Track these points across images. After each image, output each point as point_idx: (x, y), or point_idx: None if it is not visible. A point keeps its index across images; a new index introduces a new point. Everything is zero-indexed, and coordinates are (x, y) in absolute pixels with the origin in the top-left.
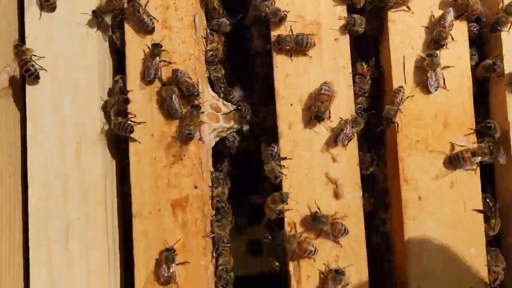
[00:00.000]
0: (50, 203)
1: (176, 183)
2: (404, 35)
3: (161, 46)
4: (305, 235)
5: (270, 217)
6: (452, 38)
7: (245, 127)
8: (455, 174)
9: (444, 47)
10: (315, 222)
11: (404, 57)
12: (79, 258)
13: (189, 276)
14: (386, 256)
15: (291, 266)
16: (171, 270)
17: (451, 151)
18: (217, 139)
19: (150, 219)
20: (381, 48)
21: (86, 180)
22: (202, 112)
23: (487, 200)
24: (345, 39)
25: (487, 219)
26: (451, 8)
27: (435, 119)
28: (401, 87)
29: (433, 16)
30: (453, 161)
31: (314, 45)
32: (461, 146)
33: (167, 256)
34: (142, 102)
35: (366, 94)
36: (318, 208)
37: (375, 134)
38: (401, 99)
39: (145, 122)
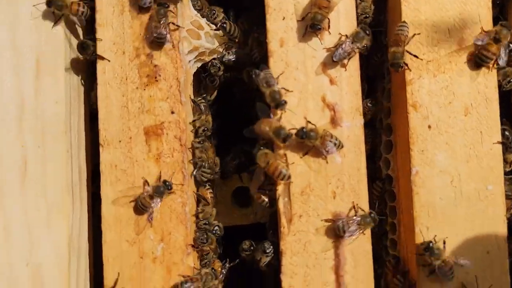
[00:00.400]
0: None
1: (150, 108)
2: None
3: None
4: (279, 157)
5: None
6: None
7: (231, 56)
8: (471, 100)
9: None
10: (304, 138)
11: None
12: (38, 194)
13: (164, 214)
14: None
15: (281, 203)
16: (153, 204)
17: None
18: (199, 64)
19: (120, 148)
20: None
21: (45, 107)
22: (168, 8)
23: (506, 131)
24: None
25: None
26: None
27: (450, 37)
28: (405, 22)
29: None
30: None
31: None
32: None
33: (158, 187)
34: (112, 13)
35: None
36: (310, 123)
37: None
38: (406, 35)
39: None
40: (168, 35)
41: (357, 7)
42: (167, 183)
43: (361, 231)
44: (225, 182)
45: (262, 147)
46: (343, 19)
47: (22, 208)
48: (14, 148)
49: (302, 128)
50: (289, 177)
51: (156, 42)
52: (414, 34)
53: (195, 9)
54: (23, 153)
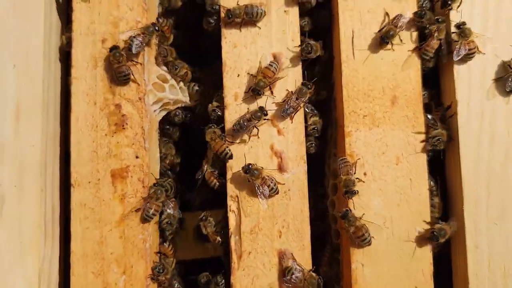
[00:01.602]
0: None
1: (117, 153)
2: (354, 10)
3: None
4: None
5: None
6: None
7: (192, 103)
8: (402, 151)
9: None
10: (248, 174)
11: (353, 31)
12: (12, 229)
13: (127, 249)
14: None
15: (233, 241)
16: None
17: None
18: (164, 112)
19: (89, 189)
20: (332, 24)
21: (23, 148)
22: (118, 50)
23: (430, 181)
24: (295, 11)
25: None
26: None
27: (382, 94)
28: (345, 157)
29: None
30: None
31: (265, 14)
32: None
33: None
34: (86, 69)
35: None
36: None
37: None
38: (352, 169)
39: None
40: (129, 71)
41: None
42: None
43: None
44: (188, 217)
45: (212, 126)
46: (290, 77)
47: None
48: None
49: (249, 164)
50: (231, 156)
51: (122, 80)
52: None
53: (161, 57)
54: (1, 191)
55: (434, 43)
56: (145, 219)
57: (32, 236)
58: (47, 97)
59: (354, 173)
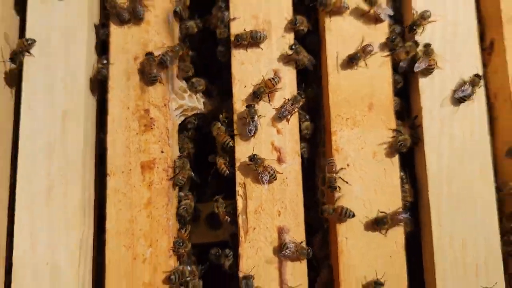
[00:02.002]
0: (35, 165)
1: (146, 148)
2: (338, 36)
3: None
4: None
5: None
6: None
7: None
8: (377, 146)
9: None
10: (252, 162)
11: (337, 52)
12: (58, 209)
13: (153, 226)
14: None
15: (240, 220)
16: None
17: None
18: (183, 118)
19: (122, 178)
20: (321, 46)
21: (68, 146)
22: (157, 57)
23: (401, 171)
24: (291, 36)
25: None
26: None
27: (361, 101)
28: (333, 158)
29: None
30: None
31: (266, 38)
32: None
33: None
34: (121, 80)
35: None
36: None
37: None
38: (335, 168)
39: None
40: (158, 75)
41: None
42: None
43: (296, 255)
44: (201, 207)
45: (217, 122)
46: (287, 90)
47: (46, 220)
48: (43, 175)
49: (254, 154)
50: (232, 146)
51: (151, 80)
52: (342, 168)
53: (183, 72)
54: (50, 179)
55: (402, 53)
56: (177, 184)
57: (75, 216)
58: (87, 104)
59: (337, 172)
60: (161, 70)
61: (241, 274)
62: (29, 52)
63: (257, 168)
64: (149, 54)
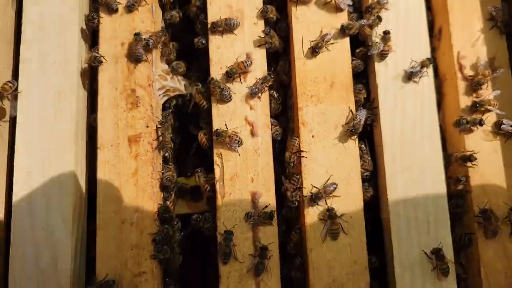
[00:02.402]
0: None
1: (132, 124)
2: (303, 22)
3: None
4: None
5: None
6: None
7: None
8: (338, 120)
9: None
10: (217, 136)
11: (302, 37)
12: (53, 179)
13: (139, 193)
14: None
15: (218, 186)
16: None
17: None
18: (166, 97)
19: (111, 150)
20: (289, 33)
21: (61, 122)
22: (143, 38)
23: (361, 145)
24: (261, 23)
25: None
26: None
27: (324, 80)
28: (296, 137)
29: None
30: None
31: (239, 25)
32: None
33: None
34: (110, 64)
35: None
36: (226, 126)
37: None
38: (298, 143)
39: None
40: (142, 53)
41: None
42: None
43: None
44: (184, 181)
45: (196, 84)
46: (259, 71)
47: (42, 188)
48: (39, 149)
49: (216, 129)
50: (208, 107)
51: (136, 58)
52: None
53: (165, 55)
54: (46, 153)
55: (367, 28)
56: (161, 148)
57: (68, 184)
58: (79, 85)
59: (295, 152)
60: (146, 51)
61: (218, 234)
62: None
63: (223, 139)
64: (137, 35)
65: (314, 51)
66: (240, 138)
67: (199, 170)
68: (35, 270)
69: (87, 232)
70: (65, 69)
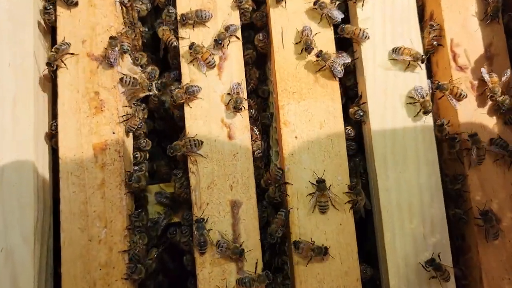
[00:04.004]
0: None
1: (97, 130)
2: (282, 12)
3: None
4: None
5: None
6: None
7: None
8: (324, 118)
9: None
10: (191, 49)
11: (282, 28)
12: (12, 194)
13: (107, 207)
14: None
15: (194, 196)
16: None
17: None
18: (134, 99)
19: (74, 160)
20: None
21: (19, 129)
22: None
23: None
24: (236, 14)
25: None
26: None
27: (307, 75)
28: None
29: None
30: None
31: (212, 17)
32: None
33: None
34: (69, 64)
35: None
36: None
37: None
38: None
39: None
40: (115, 60)
41: None
42: None
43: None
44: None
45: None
46: (235, 66)
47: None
48: None
49: (193, 43)
50: (176, 44)
51: (109, 64)
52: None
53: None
54: (2, 164)
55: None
56: (128, 131)
57: (28, 200)
58: (37, 89)
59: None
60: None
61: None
62: None
63: (196, 55)
64: (112, 38)
65: (309, 50)
66: (213, 59)
67: (176, 173)
68: None
69: (54, 250)
70: (21, 71)
